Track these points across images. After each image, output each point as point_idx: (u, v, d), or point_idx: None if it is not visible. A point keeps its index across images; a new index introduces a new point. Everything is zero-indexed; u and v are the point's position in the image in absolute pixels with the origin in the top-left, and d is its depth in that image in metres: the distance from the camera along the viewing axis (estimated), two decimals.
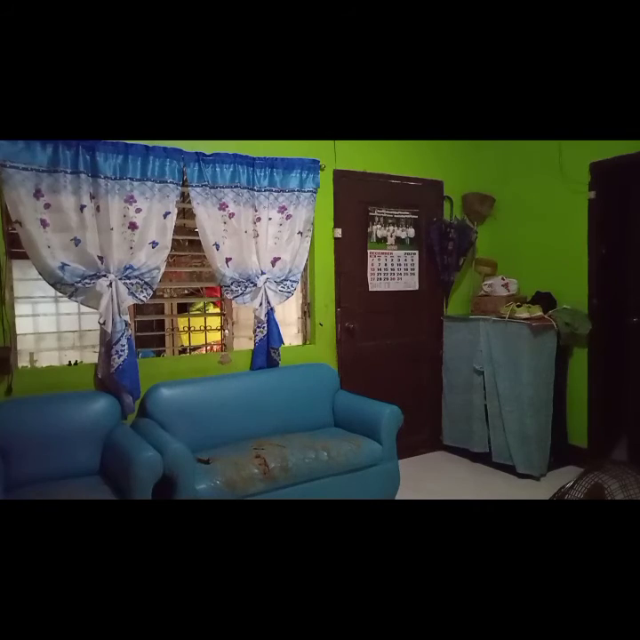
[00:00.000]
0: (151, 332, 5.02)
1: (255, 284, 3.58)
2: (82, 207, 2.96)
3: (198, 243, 3.47)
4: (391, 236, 4.25)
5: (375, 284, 4.21)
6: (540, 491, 3.66)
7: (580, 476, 1.77)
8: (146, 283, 3.18)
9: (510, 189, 4.49)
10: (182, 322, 5.63)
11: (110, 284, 3.04)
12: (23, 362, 3.67)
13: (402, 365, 4.33)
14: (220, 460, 2.94)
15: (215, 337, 4.58)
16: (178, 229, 3.44)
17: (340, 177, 3.99)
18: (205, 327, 4.76)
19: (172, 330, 5.66)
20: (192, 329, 4.97)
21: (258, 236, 3.57)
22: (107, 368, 3.08)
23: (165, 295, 4.90)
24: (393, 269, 4.29)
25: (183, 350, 4.96)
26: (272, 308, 3.65)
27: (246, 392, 3.48)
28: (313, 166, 3.74)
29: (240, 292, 3.54)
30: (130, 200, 3.09)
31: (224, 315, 3.89)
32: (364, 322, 4.16)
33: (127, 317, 3.12)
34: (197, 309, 5.80)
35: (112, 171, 3.03)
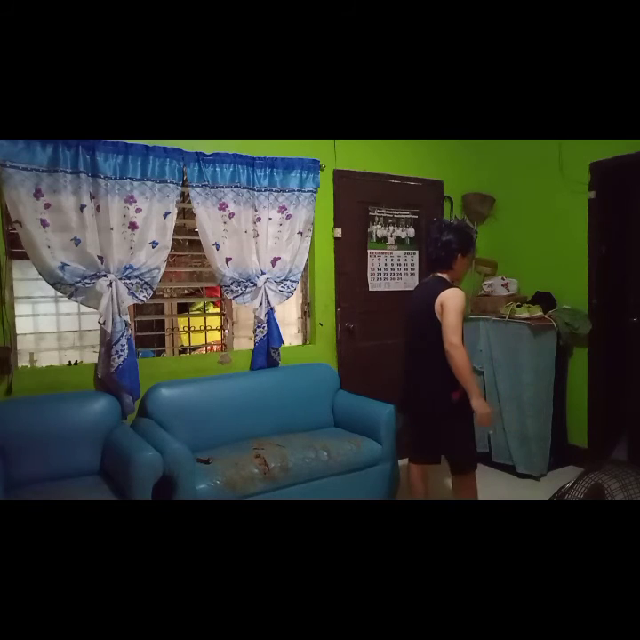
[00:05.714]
0: (151, 331, 5.02)
1: (255, 284, 3.58)
2: (82, 207, 2.96)
3: (198, 243, 3.47)
4: (391, 236, 4.25)
5: (375, 284, 4.21)
6: (539, 491, 3.65)
7: (580, 476, 1.77)
8: (146, 282, 3.18)
9: (510, 189, 4.48)
10: (182, 322, 5.63)
11: (110, 283, 3.04)
12: (23, 362, 3.67)
13: (402, 365, 4.32)
14: (220, 460, 2.94)
15: (215, 337, 4.58)
16: (178, 229, 3.44)
17: (340, 177, 3.99)
18: (205, 327, 4.76)
19: (172, 330, 5.67)
20: (192, 329, 4.97)
21: (258, 235, 3.57)
22: (107, 368, 3.08)
23: (165, 295, 4.90)
24: (393, 269, 4.29)
25: (183, 350, 4.97)
26: (272, 308, 3.65)
27: (246, 392, 3.48)
28: (313, 166, 3.74)
29: (240, 291, 3.55)
30: (130, 200, 3.09)
31: (224, 315, 3.89)
32: (364, 322, 4.15)
33: (127, 317, 3.12)
34: (197, 309, 5.80)
35: (112, 171, 3.02)
